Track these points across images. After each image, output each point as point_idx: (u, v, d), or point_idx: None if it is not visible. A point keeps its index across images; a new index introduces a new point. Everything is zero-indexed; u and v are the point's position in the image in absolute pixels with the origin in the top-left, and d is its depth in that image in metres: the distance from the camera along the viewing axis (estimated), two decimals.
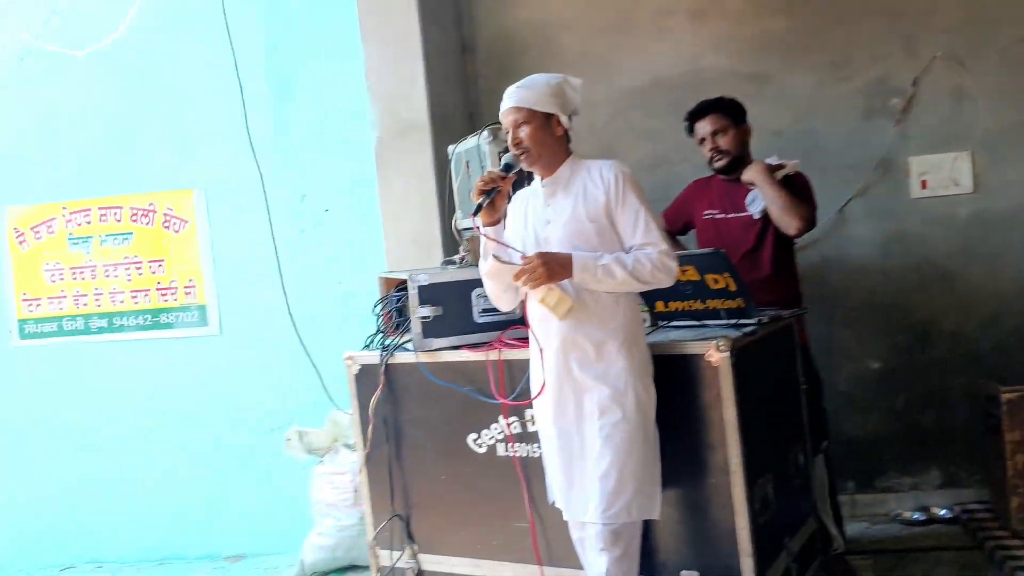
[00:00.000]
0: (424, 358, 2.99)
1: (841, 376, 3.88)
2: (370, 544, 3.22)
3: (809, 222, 3.16)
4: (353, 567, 3.97)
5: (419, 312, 2.94)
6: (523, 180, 2.68)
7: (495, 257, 2.47)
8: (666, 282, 2.42)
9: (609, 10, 4.04)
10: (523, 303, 2.60)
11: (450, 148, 3.40)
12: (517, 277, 2.39)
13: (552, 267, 2.36)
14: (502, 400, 2.78)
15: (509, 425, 2.86)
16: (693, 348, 2.54)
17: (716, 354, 2.48)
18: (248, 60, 4.22)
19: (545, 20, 4.11)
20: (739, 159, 3.27)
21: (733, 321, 2.75)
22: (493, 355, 2.85)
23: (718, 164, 3.29)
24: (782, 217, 3.13)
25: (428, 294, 2.95)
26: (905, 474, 3.97)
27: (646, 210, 2.44)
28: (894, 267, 3.86)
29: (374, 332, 3.28)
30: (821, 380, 3.34)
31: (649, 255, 2.39)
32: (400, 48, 3.75)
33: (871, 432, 3.95)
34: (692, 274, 2.76)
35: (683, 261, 2.66)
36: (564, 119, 2.50)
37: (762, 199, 3.18)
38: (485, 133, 3.02)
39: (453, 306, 2.98)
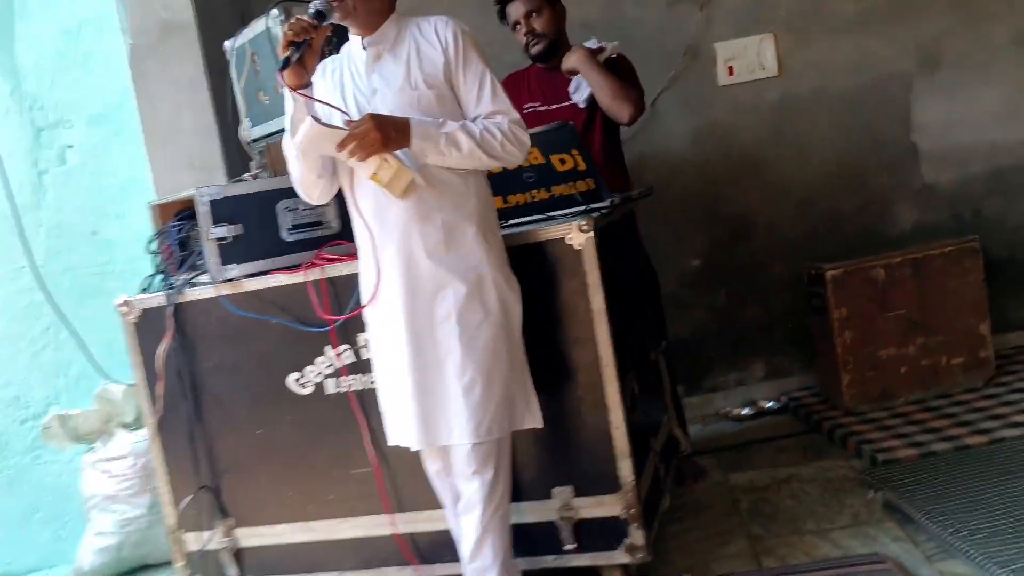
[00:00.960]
0: (225, 289, 2.48)
1: (663, 276, 3.75)
2: (170, 529, 2.69)
3: (640, 106, 2.95)
4: (144, 567, 3.34)
5: (214, 233, 2.42)
6: (329, 48, 2.23)
7: (314, 120, 1.98)
8: (517, 157, 2.08)
9: None
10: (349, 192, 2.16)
11: (226, 44, 2.84)
12: (343, 146, 1.94)
13: (387, 131, 1.94)
14: (330, 318, 2.34)
15: (340, 355, 2.43)
16: (552, 233, 2.23)
17: (579, 235, 2.18)
18: None
19: None
20: (556, 43, 3.00)
21: (582, 208, 2.46)
22: (313, 274, 2.40)
23: (535, 49, 3.00)
24: (612, 104, 2.89)
25: (223, 210, 2.44)
26: (731, 370, 3.94)
27: (492, 75, 2.08)
28: (707, 159, 3.78)
29: (151, 274, 2.72)
30: (656, 275, 3.17)
31: (499, 124, 2.04)
32: None
33: (696, 331, 3.87)
34: (536, 156, 2.43)
35: None
36: None
37: (587, 86, 2.93)
38: (275, 11, 2.51)
39: (255, 224, 2.49)
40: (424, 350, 2.07)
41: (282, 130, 2.46)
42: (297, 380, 2.50)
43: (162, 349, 2.55)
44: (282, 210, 2.52)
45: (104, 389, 3.38)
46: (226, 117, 3.02)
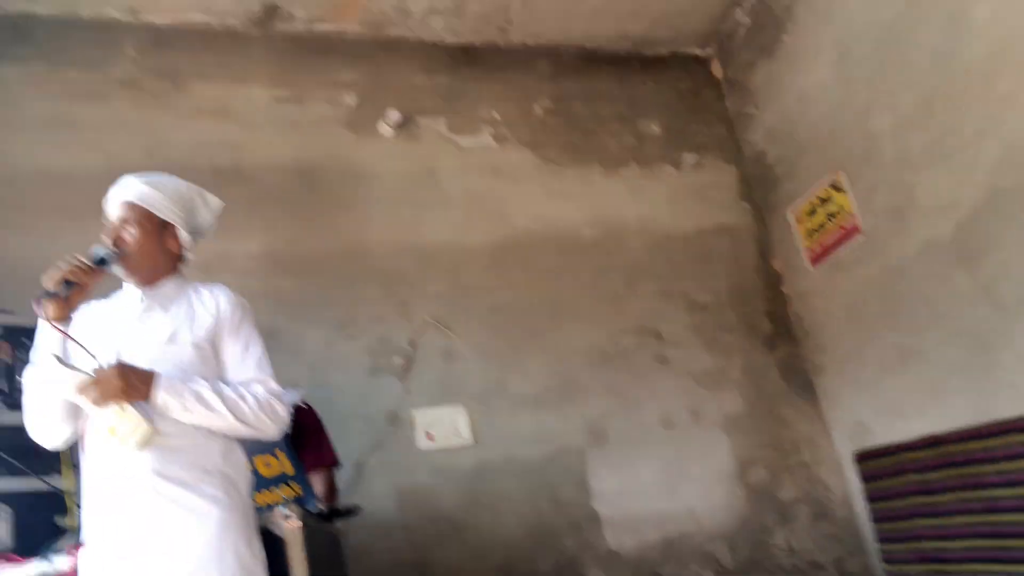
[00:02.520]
0: None
1: None
2: None
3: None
4: None
5: None
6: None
7: (57, 358, 1.84)
8: (271, 428, 2.03)
9: None
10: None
11: None
12: (84, 390, 1.81)
13: (131, 380, 1.86)
14: None
15: None
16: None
17: (284, 523, 2.09)
18: None
19: (21, 258, 3.53)
20: None
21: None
22: None
23: None
24: None
25: None
26: None
27: (260, 345, 2.10)
28: (411, 522, 3.80)
29: None
30: None
31: (256, 392, 2.01)
32: None
33: None
34: None
35: None
36: (184, 235, 2.13)
37: None
38: None
39: None
40: None
41: None
42: None
43: None
44: None
45: None
46: None
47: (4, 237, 3.58)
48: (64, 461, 2.49)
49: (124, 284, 2.17)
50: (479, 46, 4.79)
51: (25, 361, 2.51)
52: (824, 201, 4.53)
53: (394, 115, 4.40)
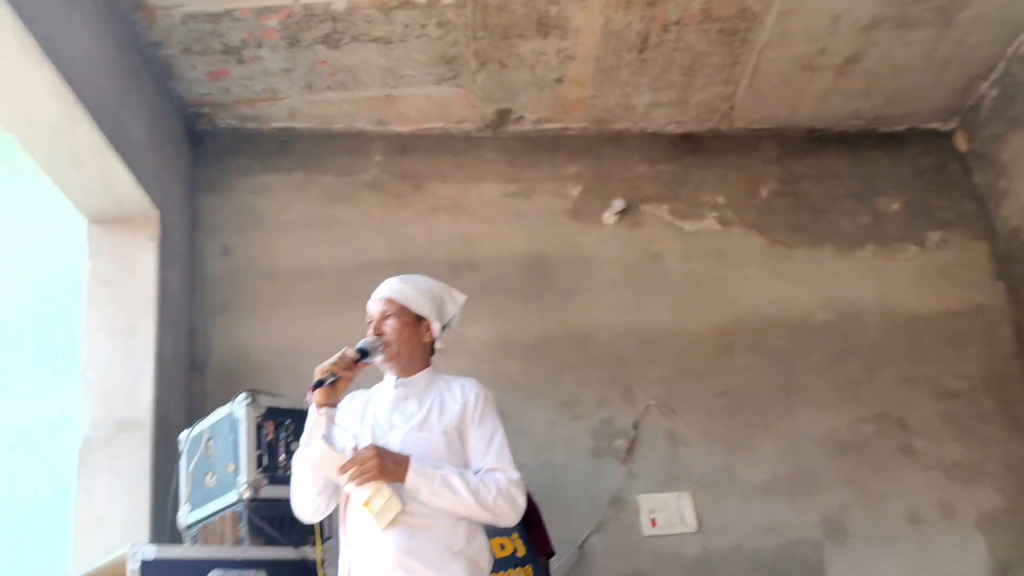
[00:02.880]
0: None
1: None
2: None
3: None
4: None
5: None
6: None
7: (323, 440, 2.08)
8: (509, 516, 2.14)
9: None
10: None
11: (183, 434, 3.00)
12: (344, 469, 2.03)
13: (386, 462, 2.05)
14: None
15: None
16: None
17: None
18: None
19: (282, 344, 4.02)
20: None
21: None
22: None
23: None
24: None
25: (153, 572, 2.36)
26: None
27: (503, 436, 2.25)
28: None
29: None
30: None
31: (497, 480, 2.14)
32: (129, 343, 3.42)
33: None
34: None
35: None
36: (435, 327, 2.36)
37: None
38: (242, 395, 2.73)
39: None
40: None
41: (219, 511, 2.56)
42: None
43: None
44: None
45: None
46: (163, 509, 3.04)
47: (268, 326, 4.06)
48: (316, 535, 2.70)
49: (385, 377, 2.39)
50: (702, 133, 4.84)
51: (284, 439, 2.84)
52: None
53: (618, 204, 4.53)
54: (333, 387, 2.19)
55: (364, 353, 2.25)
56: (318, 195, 4.45)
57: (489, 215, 4.52)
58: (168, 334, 3.63)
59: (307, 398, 2.20)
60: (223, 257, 4.24)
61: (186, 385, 3.79)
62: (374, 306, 2.38)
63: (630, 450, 4.04)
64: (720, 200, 4.71)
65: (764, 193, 4.76)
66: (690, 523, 3.93)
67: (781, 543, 3.96)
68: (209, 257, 4.24)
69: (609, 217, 4.56)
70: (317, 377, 2.17)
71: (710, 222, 4.65)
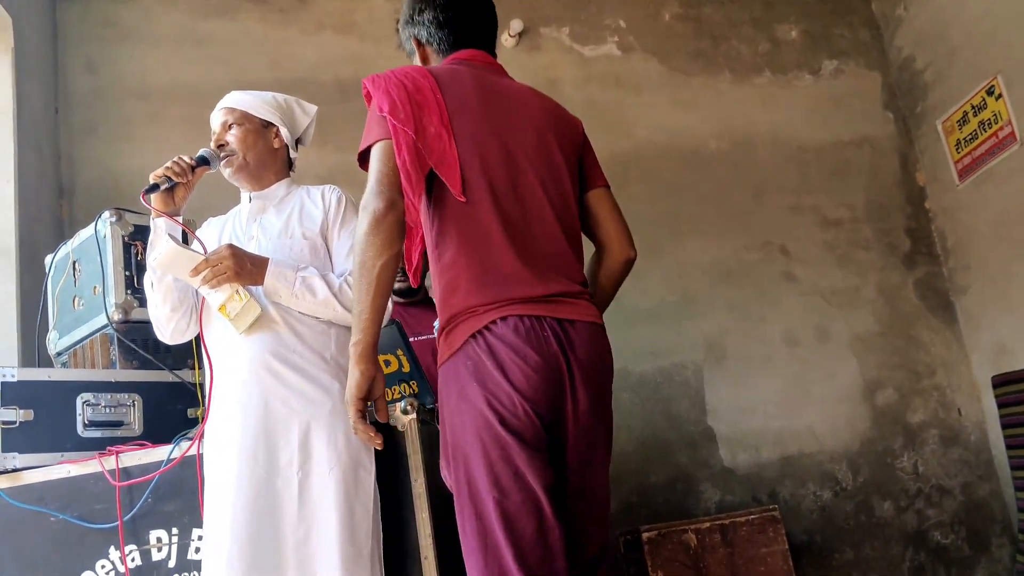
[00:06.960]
0: (3, 482, 2.23)
1: None
2: None
3: None
4: None
5: (0, 416, 2.23)
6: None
7: (171, 238, 1.97)
8: None
9: None
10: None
11: (48, 258, 2.83)
12: (197, 271, 1.94)
13: (243, 263, 1.97)
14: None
15: (125, 557, 2.18)
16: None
17: (401, 417, 2.17)
18: None
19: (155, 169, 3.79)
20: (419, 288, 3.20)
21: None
22: (108, 462, 2.22)
23: (399, 285, 3.14)
24: None
25: (15, 393, 2.28)
26: None
27: None
28: None
29: None
30: None
31: None
32: None
33: None
34: None
35: None
36: (285, 133, 2.23)
37: None
38: (107, 212, 2.57)
39: (47, 413, 2.32)
40: (259, 499, 1.92)
41: (88, 335, 2.44)
42: None
43: None
44: (81, 403, 2.37)
45: None
46: (32, 338, 2.92)
47: (141, 148, 3.82)
48: (195, 356, 2.63)
49: (241, 197, 2.28)
50: None
51: None
52: (977, 109, 4.17)
53: (516, 25, 4.34)
54: (171, 194, 2.06)
55: (203, 160, 2.13)
56: (193, 6, 4.10)
57: (380, 34, 4.26)
58: (31, 155, 3.37)
59: (143, 201, 2.06)
60: (88, 73, 3.92)
61: (55, 211, 3.57)
62: (216, 117, 2.25)
63: None
64: (622, 24, 4.57)
65: (666, 17, 4.64)
66: None
67: (663, 365, 4.11)
68: (73, 73, 3.91)
69: (507, 40, 4.38)
70: (152, 181, 2.04)
71: (610, 47, 4.53)
